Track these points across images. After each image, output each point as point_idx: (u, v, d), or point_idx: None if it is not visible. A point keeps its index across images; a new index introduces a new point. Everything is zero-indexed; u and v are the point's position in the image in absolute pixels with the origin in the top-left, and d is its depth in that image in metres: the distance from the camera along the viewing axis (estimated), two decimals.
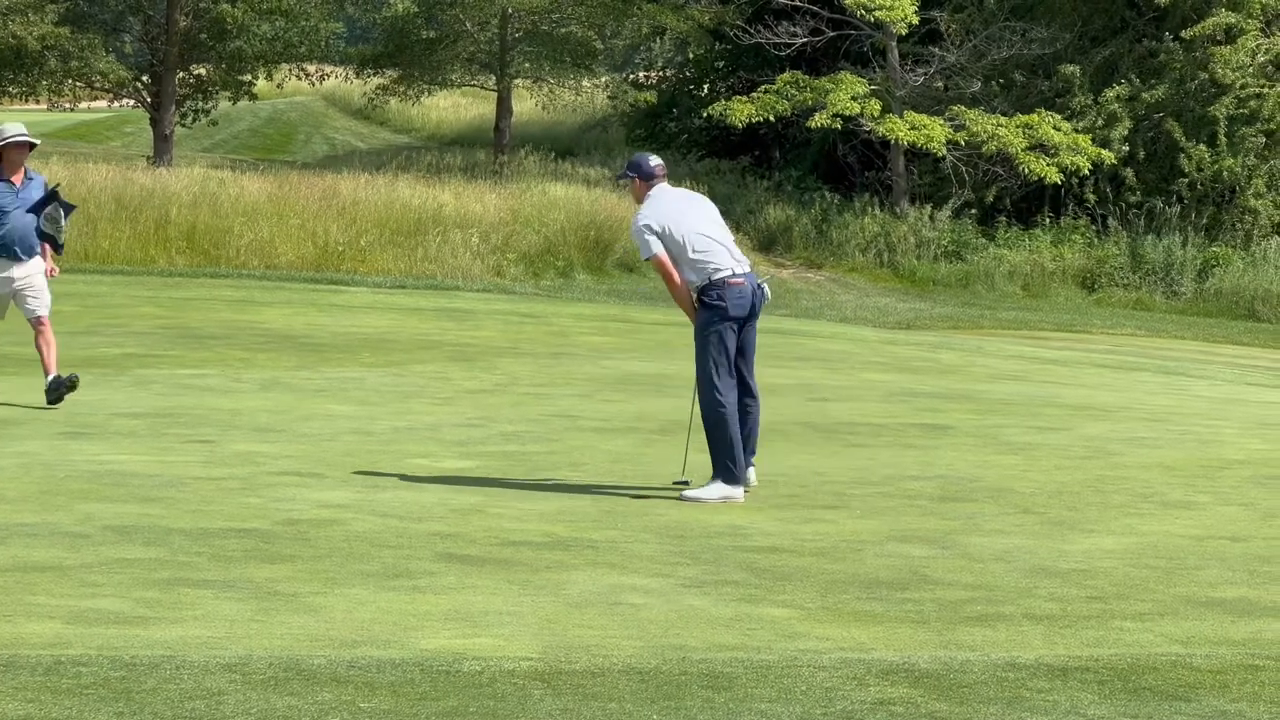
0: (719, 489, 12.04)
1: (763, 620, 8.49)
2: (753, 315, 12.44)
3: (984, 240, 42.13)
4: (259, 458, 12.96)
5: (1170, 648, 8.28)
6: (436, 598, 8.69)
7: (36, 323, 15.38)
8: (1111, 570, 10.08)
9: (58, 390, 15.00)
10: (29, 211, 15.27)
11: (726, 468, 12.06)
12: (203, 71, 46.86)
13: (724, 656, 7.68)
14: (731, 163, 49.60)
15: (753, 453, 12.46)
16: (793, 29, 43.76)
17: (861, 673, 7.49)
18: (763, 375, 20.22)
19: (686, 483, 12.32)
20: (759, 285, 12.48)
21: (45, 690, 6.67)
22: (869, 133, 42.43)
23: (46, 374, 15.14)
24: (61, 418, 14.45)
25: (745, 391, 12.47)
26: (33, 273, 15.40)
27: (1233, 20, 41.03)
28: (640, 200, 12.44)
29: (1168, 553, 10.61)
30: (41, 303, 15.40)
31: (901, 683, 7.36)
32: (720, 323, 12.18)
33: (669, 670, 7.40)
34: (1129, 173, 41.54)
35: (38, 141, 15.51)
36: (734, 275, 12.24)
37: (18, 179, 15.26)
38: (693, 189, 48.55)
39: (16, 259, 15.28)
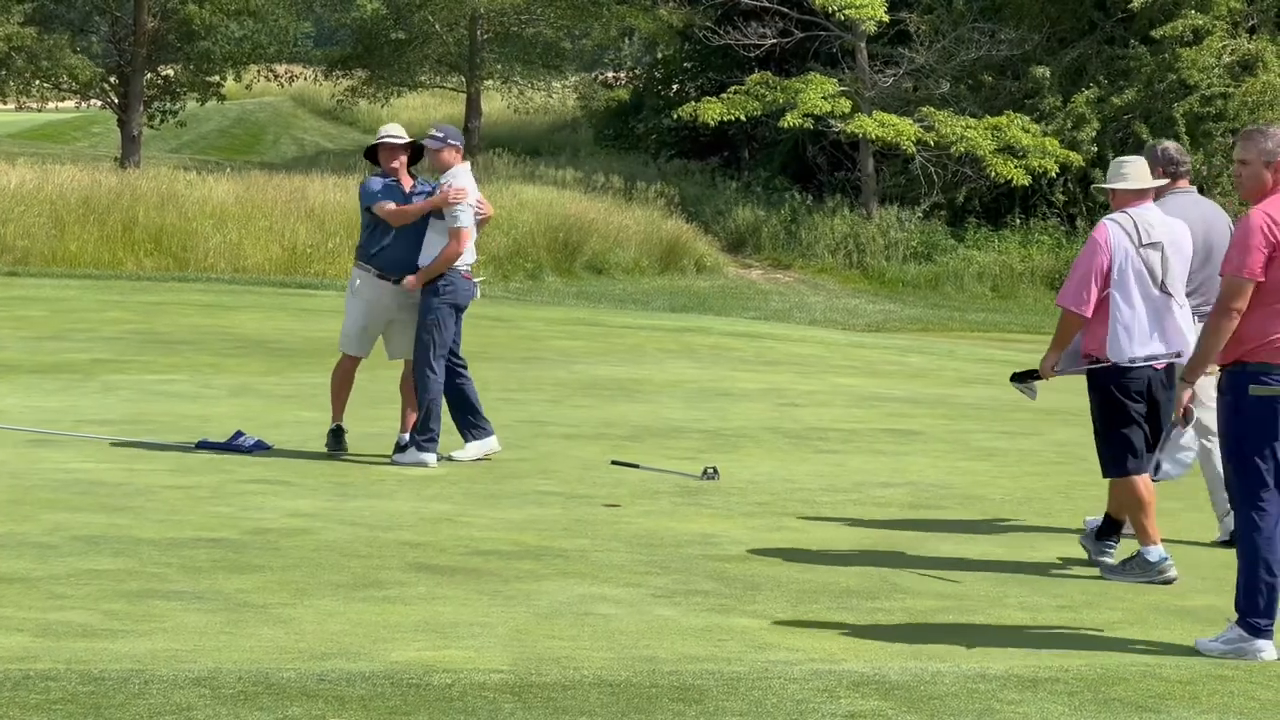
0: (414, 454, 13.36)
1: (733, 631, 8.49)
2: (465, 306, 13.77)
3: (953, 241, 42.21)
4: (227, 465, 12.93)
5: (1140, 657, 8.31)
6: (406, 608, 8.68)
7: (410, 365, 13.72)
8: (1081, 578, 10.11)
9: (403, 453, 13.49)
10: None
11: (429, 435, 13.36)
12: (170, 72, 46.75)
13: (694, 668, 7.68)
14: (700, 163, 49.62)
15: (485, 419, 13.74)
16: (761, 30, 43.80)
17: (832, 684, 7.49)
18: (732, 380, 20.32)
19: (714, 471, 13.14)
20: (475, 282, 13.82)
21: (14, 705, 6.65)
22: (838, 133, 42.48)
23: (402, 428, 13.70)
24: (27, 425, 14.38)
25: (463, 367, 13.74)
26: (410, 303, 13.58)
27: (1200, 22, 41.16)
28: (446, 167, 13.54)
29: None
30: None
31: (872, 695, 7.36)
32: (446, 309, 13.43)
33: (639, 682, 7.40)
34: (1098, 173, 41.64)
35: (407, 139, 13.73)
36: (466, 269, 13.60)
37: (407, 182, 13.66)
38: (662, 190, 48.17)
39: (391, 281, 13.55)
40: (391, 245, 13.53)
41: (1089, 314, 10.02)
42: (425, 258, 13.42)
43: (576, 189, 42.29)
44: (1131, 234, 10.08)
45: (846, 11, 41.77)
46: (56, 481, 11.87)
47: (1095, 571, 10.34)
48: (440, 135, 13.60)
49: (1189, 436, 8.75)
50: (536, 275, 37.24)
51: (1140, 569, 10.12)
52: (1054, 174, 40.78)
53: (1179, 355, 10.00)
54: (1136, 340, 10.02)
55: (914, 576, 10.00)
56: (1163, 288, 10.10)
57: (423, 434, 13.39)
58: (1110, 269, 10.01)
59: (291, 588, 9.01)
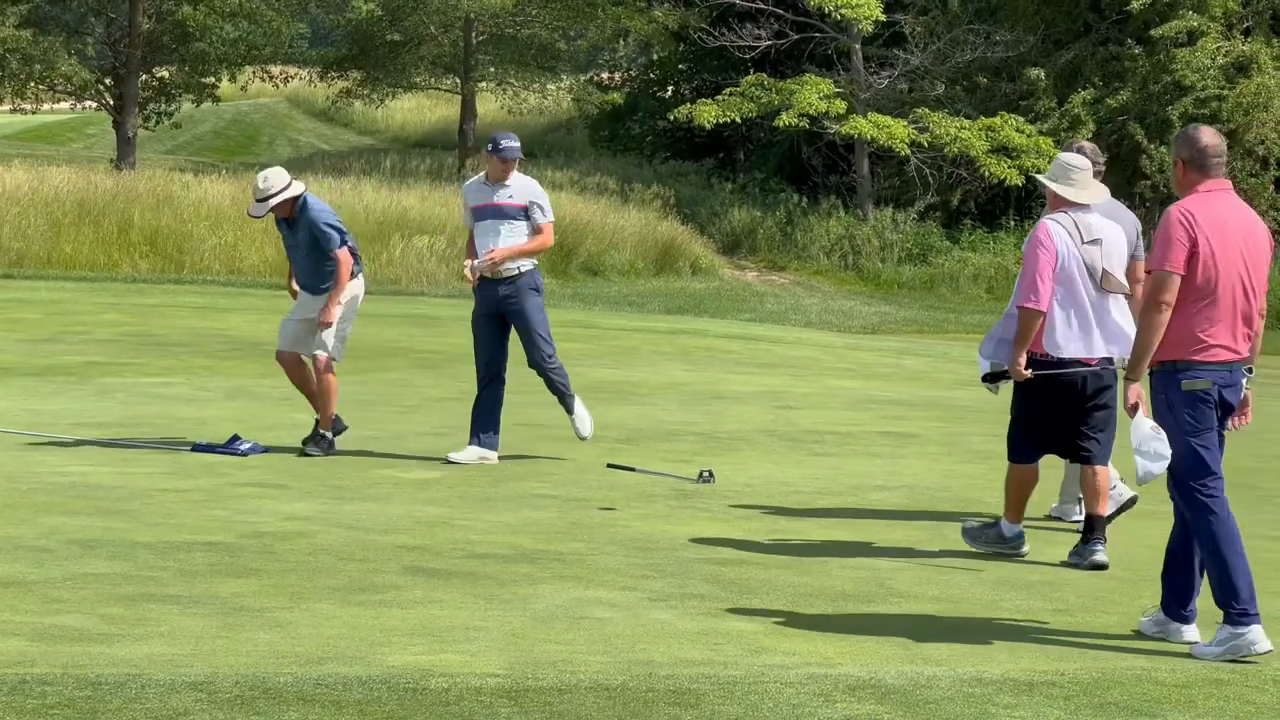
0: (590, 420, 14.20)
1: (729, 634, 8.50)
2: None
3: (948, 243, 42.21)
4: (223, 469, 12.93)
5: (1136, 661, 8.32)
6: (403, 612, 8.68)
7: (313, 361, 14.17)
8: (1077, 582, 10.12)
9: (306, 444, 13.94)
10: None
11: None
12: (165, 74, 46.73)
13: (690, 672, 7.68)
14: (696, 165, 49.62)
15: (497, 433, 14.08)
16: (756, 31, 43.79)
17: (828, 688, 7.50)
18: (727, 382, 20.33)
19: (710, 474, 13.15)
20: None
21: (10, 710, 6.65)
22: (833, 135, 42.47)
23: (321, 422, 14.07)
24: (23, 428, 14.38)
25: (504, 373, 14.18)
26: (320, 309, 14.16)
27: (1196, 23, 41.18)
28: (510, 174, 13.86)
29: (1133, 564, 10.64)
30: (318, 338, 14.09)
31: (868, 699, 7.37)
32: (543, 303, 14.15)
33: (635, 686, 7.40)
34: None
35: (279, 197, 13.98)
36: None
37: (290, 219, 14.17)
38: (657, 192, 47.99)
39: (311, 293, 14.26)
40: (298, 270, 14.38)
41: (1045, 308, 10.39)
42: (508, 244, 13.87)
43: (571, 191, 42.25)
44: (1072, 232, 10.51)
45: (842, 12, 41.77)
46: (52, 485, 11.87)
47: (1091, 575, 10.35)
48: (516, 145, 13.88)
49: (1149, 428, 8.90)
50: None
51: (996, 539, 10.79)
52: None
53: (1109, 358, 10.53)
54: (1072, 337, 10.48)
55: (910, 580, 10.00)
56: (1101, 285, 10.51)
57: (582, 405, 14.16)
58: (1056, 265, 10.39)
59: (288, 592, 9.01)
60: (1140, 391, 8.70)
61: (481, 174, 14.15)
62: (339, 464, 13.39)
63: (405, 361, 21.07)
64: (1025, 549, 10.79)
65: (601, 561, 10.15)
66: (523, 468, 13.58)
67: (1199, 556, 8.70)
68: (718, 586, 9.60)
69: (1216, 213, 8.60)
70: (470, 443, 13.80)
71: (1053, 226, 10.49)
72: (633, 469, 13.53)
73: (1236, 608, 8.42)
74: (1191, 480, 8.52)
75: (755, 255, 43.11)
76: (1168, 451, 8.58)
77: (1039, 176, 11.05)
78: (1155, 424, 8.71)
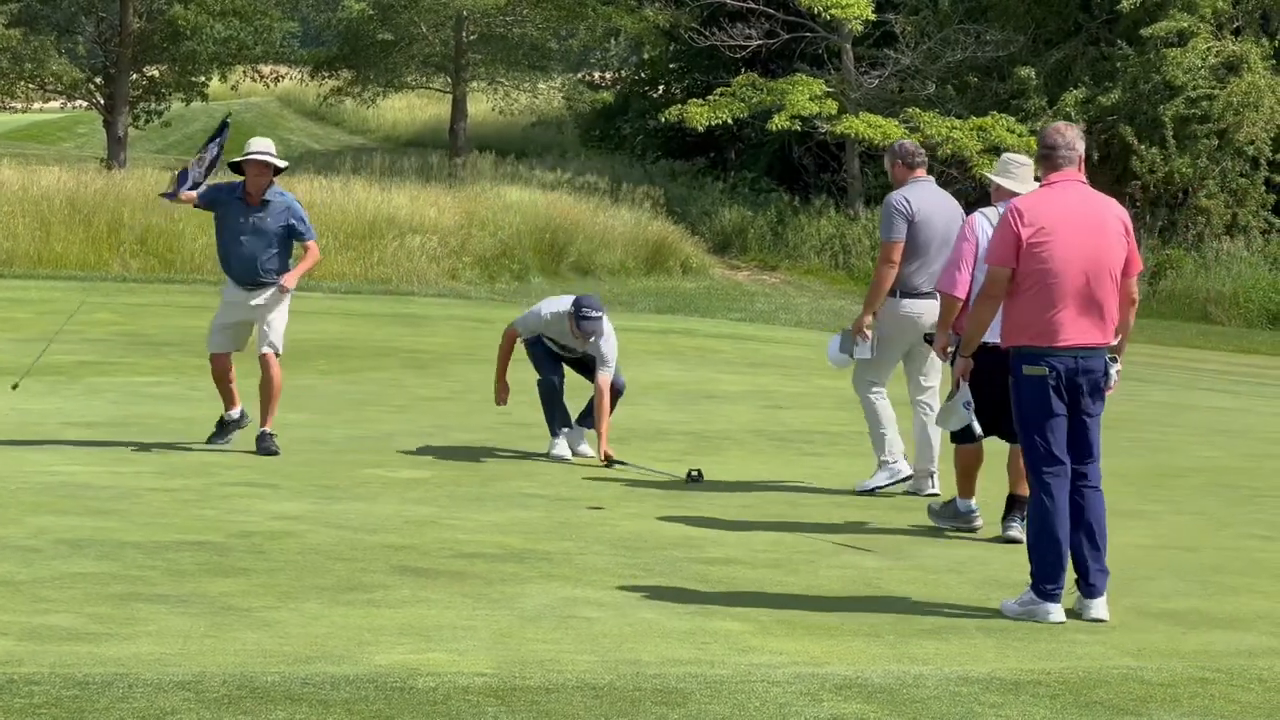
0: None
1: (716, 634, 8.51)
2: None
3: None
4: (213, 468, 12.93)
5: (1122, 660, 8.33)
6: (391, 611, 8.69)
7: (260, 359, 14.02)
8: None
9: (263, 445, 13.75)
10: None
11: None
12: (156, 73, 46.70)
13: (678, 671, 7.70)
14: (686, 164, 49.62)
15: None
16: (747, 31, 43.81)
17: (815, 688, 7.51)
18: (718, 381, 20.34)
19: (699, 473, 13.27)
20: None
21: None
22: (824, 135, 42.48)
23: (262, 420, 13.93)
24: (12, 428, 14.38)
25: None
26: (266, 302, 13.98)
27: (1186, 23, 41.22)
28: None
29: (1120, 563, 10.61)
30: (269, 336, 13.96)
31: (855, 698, 7.38)
32: None
33: (623, 685, 7.41)
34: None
35: (283, 164, 13.89)
36: None
37: (255, 199, 13.93)
38: (648, 191, 47.78)
39: (246, 288, 14.00)
40: (234, 261, 14.04)
41: (960, 294, 10.95)
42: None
43: (562, 190, 42.26)
44: (994, 224, 10.84)
45: (832, 12, 41.79)
46: (41, 484, 11.87)
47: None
48: (596, 314, 14.00)
49: (964, 400, 9.53)
50: (522, 276, 37.22)
51: (951, 515, 11.62)
52: (1039, 174, 40.77)
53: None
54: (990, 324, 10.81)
55: (897, 579, 10.02)
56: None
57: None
58: (976, 255, 10.91)
59: (276, 591, 9.02)
60: (968, 365, 9.50)
61: (559, 330, 14.17)
62: (328, 464, 13.39)
63: (395, 361, 21.08)
64: (979, 523, 11.35)
65: (589, 561, 10.17)
66: (511, 467, 13.59)
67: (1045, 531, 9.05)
68: (705, 586, 9.61)
69: (1056, 204, 9.11)
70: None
71: (978, 219, 11.13)
72: (625, 464, 13.58)
73: (1045, 587, 9.02)
74: (1030, 462, 9.12)
75: (746, 255, 43.12)
76: (965, 422, 9.43)
77: (988, 174, 11.64)
78: (970, 399, 9.45)
